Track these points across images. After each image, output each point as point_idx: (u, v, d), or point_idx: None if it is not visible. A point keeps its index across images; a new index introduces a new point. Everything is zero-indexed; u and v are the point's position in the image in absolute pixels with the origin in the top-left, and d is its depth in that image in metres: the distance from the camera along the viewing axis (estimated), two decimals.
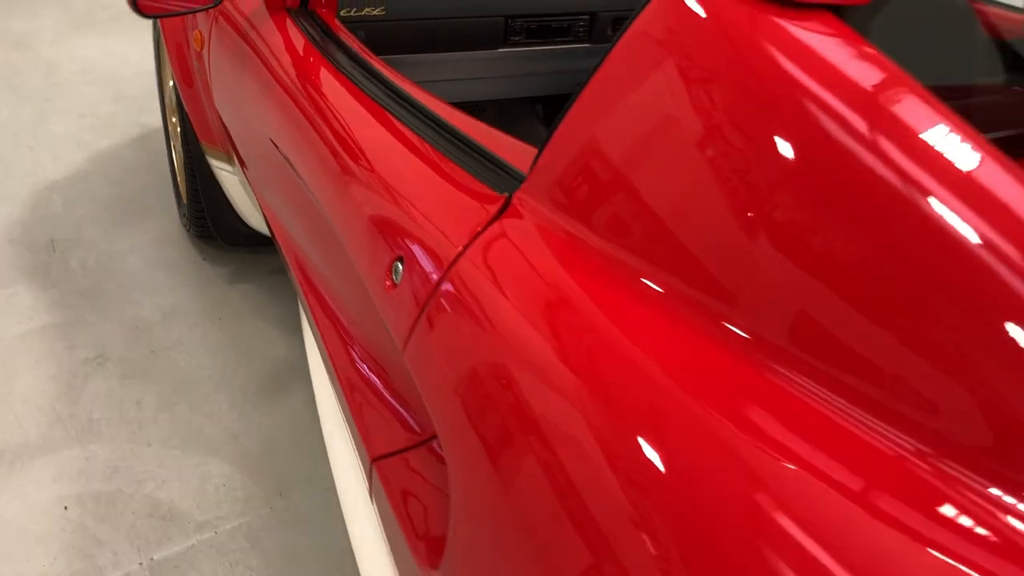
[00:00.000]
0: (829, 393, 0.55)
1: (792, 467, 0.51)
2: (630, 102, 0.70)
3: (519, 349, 0.66)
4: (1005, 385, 0.49)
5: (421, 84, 1.22)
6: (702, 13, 0.67)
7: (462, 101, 1.86)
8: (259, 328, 2.04)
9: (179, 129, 2.10)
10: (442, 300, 0.77)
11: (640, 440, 0.56)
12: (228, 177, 1.90)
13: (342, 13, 1.66)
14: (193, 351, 1.95)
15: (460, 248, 0.77)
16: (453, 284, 0.76)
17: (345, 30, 1.44)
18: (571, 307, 0.66)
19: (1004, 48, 0.93)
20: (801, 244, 0.58)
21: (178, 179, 2.30)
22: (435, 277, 0.79)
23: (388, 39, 1.71)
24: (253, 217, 1.93)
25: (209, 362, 1.92)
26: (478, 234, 0.77)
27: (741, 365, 0.57)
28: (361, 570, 1.07)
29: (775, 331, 0.58)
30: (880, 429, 0.53)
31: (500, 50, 1.85)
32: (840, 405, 0.54)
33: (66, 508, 1.54)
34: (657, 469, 0.54)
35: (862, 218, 0.55)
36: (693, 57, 0.67)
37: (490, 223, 0.78)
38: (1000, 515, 0.47)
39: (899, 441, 0.52)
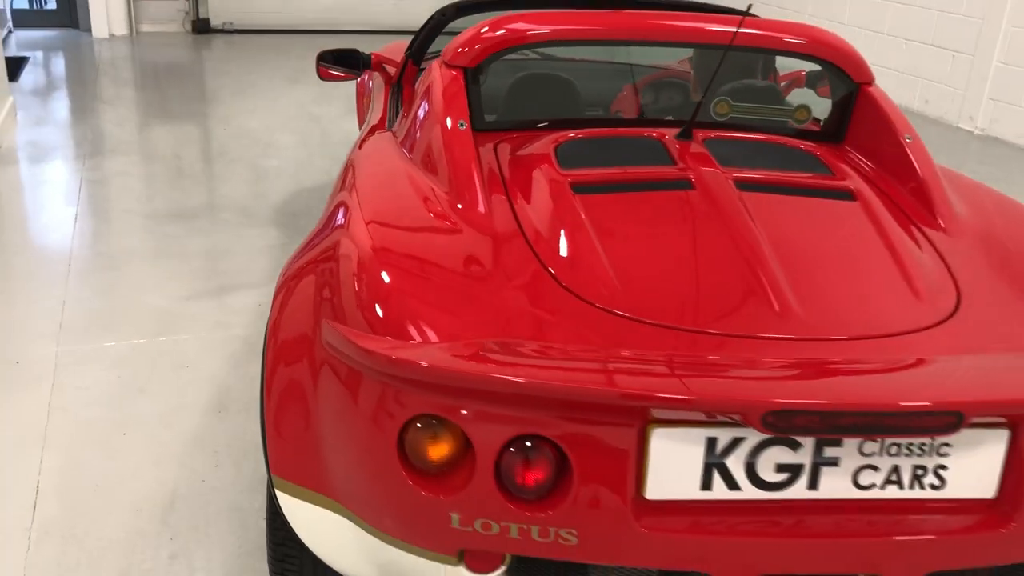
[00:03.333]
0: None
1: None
2: (418, 96, 2.25)
3: (363, 162, 2.21)
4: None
5: None
6: (433, 67, 2.22)
7: None
8: None
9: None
10: (353, 158, 2.33)
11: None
12: None
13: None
14: None
15: (359, 144, 2.35)
16: (354, 153, 2.33)
17: (408, 89, 3.05)
18: (385, 155, 2.20)
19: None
20: (421, 134, 2.10)
21: None
22: (350, 154, 2.37)
23: None
24: None
25: None
26: (365, 140, 2.34)
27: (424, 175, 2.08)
28: None
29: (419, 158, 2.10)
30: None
31: None
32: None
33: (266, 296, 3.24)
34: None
35: (430, 122, 2.07)
36: (426, 81, 2.22)
37: (371, 137, 2.34)
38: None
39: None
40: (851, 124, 2.27)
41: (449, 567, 1.40)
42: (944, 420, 1.23)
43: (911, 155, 2.03)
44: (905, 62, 6.76)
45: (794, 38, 2.27)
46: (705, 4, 2.44)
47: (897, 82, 6.85)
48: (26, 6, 9.15)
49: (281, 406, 1.57)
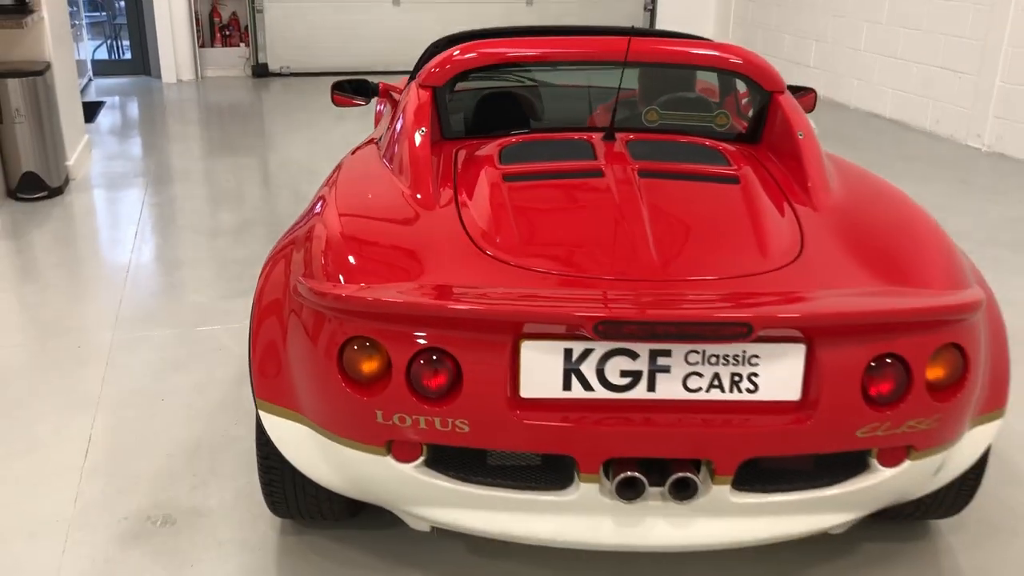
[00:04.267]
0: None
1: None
2: (397, 112, 2.72)
3: (347, 166, 2.67)
4: None
5: None
6: (411, 87, 2.69)
7: None
8: None
9: None
10: (341, 162, 2.79)
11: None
12: None
13: None
14: None
15: (352, 151, 2.81)
16: (344, 159, 2.79)
17: None
18: (368, 163, 2.67)
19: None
20: (395, 143, 2.56)
21: None
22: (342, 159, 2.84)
23: None
24: None
25: None
26: (357, 149, 2.80)
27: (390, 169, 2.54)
28: None
29: (390, 159, 2.56)
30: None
31: None
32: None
33: None
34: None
35: (402, 133, 2.53)
36: (404, 99, 2.68)
37: (363, 147, 2.81)
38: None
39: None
40: (766, 126, 2.65)
41: (380, 457, 1.82)
42: (736, 330, 1.61)
43: (801, 148, 2.41)
44: (917, 84, 7.04)
45: (715, 54, 2.68)
46: (640, 29, 2.85)
47: (911, 104, 7.12)
48: (106, 56, 10.04)
49: (263, 349, 2.03)
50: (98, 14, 10.60)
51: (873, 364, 1.73)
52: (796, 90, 3.38)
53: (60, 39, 5.40)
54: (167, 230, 4.67)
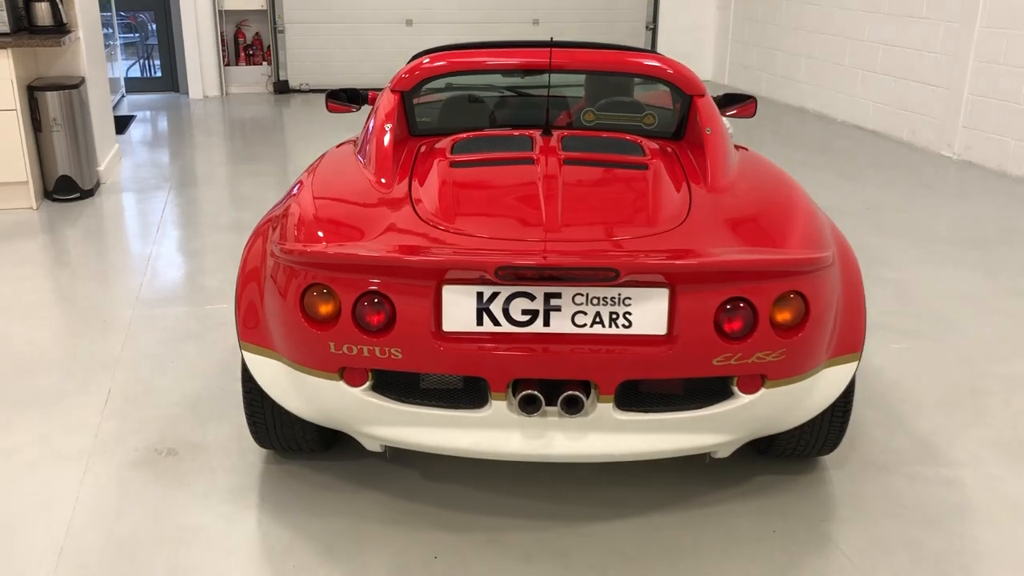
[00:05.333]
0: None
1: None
2: (371, 114, 3.19)
3: (325, 157, 3.14)
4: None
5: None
6: (384, 92, 3.16)
7: None
8: None
9: None
10: (323, 155, 3.25)
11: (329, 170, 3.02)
12: None
13: None
14: None
15: (336, 147, 3.28)
16: (328, 152, 3.25)
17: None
18: (343, 156, 3.13)
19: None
20: (369, 141, 3.02)
21: None
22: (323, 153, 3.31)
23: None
24: None
25: None
26: (339, 145, 3.27)
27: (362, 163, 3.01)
28: None
29: (362, 153, 3.02)
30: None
31: None
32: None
33: None
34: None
35: (373, 132, 2.99)
36: (378, 102, 3.16)
37: (343, 144, 3.27)
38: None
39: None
40: (687, 125, 3.08)
41: (335, 382, 2.26)
42: (606, 273, 2.04)
43: (707, 142, 2.84)
44: (894, 97, 7.42)
45: (643, 62, 3.11)
46: (562, 42, 3.29)
47: (889, 116, 7.50)
48: (138, 75, 10.68)
49: (245, 304, 2.49)
50: (131, 35, 11.26)
51: (728, 306, 2.15)
52: (740, 98, 3.81)
53: (94, 57, 5.95)
54: (187, 226, 5.18)
